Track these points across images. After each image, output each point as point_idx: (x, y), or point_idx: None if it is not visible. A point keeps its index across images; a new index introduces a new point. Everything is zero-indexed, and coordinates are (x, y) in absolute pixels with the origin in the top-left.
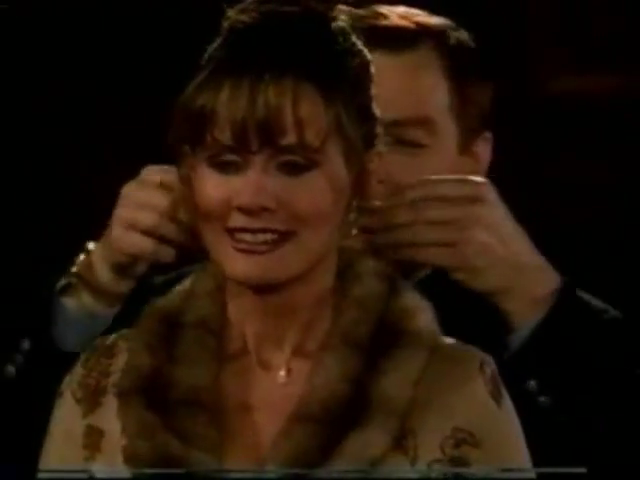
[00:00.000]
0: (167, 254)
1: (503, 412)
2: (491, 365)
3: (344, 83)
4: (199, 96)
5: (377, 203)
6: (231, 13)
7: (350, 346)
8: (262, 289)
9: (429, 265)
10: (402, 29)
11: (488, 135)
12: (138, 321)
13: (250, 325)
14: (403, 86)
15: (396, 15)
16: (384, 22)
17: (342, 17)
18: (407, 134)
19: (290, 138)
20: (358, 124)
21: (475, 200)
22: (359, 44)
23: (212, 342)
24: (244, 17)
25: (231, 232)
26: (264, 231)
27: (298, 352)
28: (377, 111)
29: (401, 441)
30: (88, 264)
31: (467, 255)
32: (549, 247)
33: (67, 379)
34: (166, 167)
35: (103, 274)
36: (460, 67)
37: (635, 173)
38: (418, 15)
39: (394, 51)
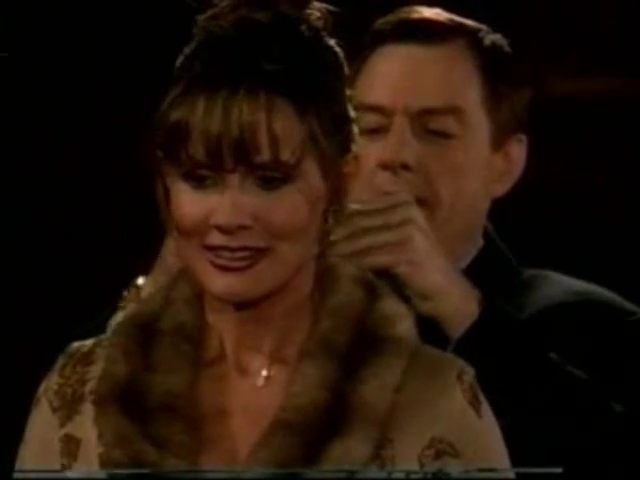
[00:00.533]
0: None
1: (483, 421)
2: (470, 373)
3: (318, 94)
4: (175, 110)
5: (354, 206)
6: (203, 21)
7: (328, 353)
8: (240, 303)
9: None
10: (436, 22)
11: (522, 137)
12: (116, 327)
13: (228, 332)
14: (434, 76)
15: (430, 12)
16: (417, 15)
17: (316, 15)
18: (436, 123)
19: (265, 156)
20: (334, 133)
21: (406, 203)
22: (333, 45)
23: (189, 348)
24: (216, 28)
25: (209, 249)
26: (242, 249)
27: (276, 358)
28: (352, 112)
29: (379, 451)
30: (136, 297)
31: (408, 250)
32: (549, 246)
33: (44, 386)
34: None
35: None
36: (493, 69)
37: (635, 173)
38: (452, 15)
39: (427, 43)
